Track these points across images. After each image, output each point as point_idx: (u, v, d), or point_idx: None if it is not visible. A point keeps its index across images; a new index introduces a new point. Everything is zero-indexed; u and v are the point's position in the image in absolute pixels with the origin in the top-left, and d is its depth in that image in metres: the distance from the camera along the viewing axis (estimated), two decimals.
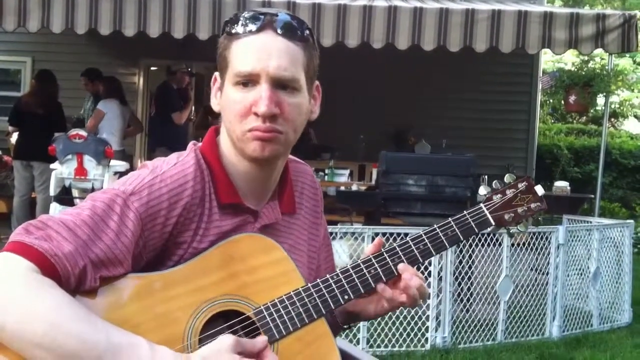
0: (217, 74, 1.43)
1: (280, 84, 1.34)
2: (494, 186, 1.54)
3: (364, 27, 6.14)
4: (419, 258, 1.46)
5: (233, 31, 1.37)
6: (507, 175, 1.55)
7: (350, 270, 1.42)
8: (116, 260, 1.26)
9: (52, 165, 6.89)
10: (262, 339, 1.27)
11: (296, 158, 1.57)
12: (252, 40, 1.35)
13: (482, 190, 1.54)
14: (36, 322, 1.14)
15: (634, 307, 5.95)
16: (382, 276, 1.43)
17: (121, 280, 1.28)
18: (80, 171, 6.59)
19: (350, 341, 4.51)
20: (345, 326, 1.59)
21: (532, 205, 1.53)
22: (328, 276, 1.40)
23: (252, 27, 1.35)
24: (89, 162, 6.59)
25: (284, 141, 1.37)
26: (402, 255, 1.45)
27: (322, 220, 1.63)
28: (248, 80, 1.34)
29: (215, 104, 1.44)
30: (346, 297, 1.40)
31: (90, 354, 1.14)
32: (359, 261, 1.43)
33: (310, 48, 1.40)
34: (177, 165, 1.37)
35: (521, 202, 1.52)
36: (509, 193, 1.52)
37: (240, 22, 1.36)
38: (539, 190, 1.54)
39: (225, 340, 1.22)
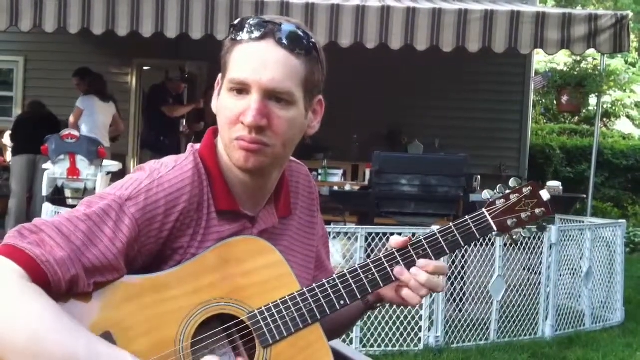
0: (220, 76, 1.40)
1: (273, 96, 1.31)
2: (497, 190, 1.49)
3: (357, 27, 6.13)
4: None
5: (238, 38, 1.34)
6: (512, 179, 1.51)
7: (347, 275, 1.39)
8: (110, 267, 1.25)
9: (44, 165, 6.86)
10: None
11: (291, 157, 1.54)
12: (252, 48, 1.32)
13: (486, 195, 1.50)
14: (19, 330, 1.13)
15: (626, 307, 5.98)
16: (380, 282, 1.41)
17: (115, 282, 1.27)
18: (73, 171, 6.57)
19: (344, 341, 4.51)
20: (376, 305, 1.56)
21: (537, 211, 1.48)
22: (324, 281, 1.38)
23: (255, 34, 1.32)
24: (81, 162, 6.57)
25: (270, 154, 1.34)
26: (400, 261, 1.42)
27: (319, 218, 1.61)
28: (241, 88, 1.32)
29: (214, 105, 1.42)
30: (342, 302, 1.37)
31: None
32: (357, 266, 1.41)
33: (313, 62, 1.36)
34: (175, 170, 1.34)
35: (525, 207, 1.47)
36: (513, 198, 1.48)
37: (245, 29, 1.33)
38: (544, 195, 1.49)
39: None
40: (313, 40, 1.36)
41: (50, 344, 1.13)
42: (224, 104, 1.35)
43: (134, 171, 1.38)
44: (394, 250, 1.43)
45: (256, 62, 1.31)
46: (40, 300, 1.16)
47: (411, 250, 1.43)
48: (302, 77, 1.34)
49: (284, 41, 1.32)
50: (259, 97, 1.30)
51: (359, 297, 1.40)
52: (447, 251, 1.44)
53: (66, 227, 1.23)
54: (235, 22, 1.37)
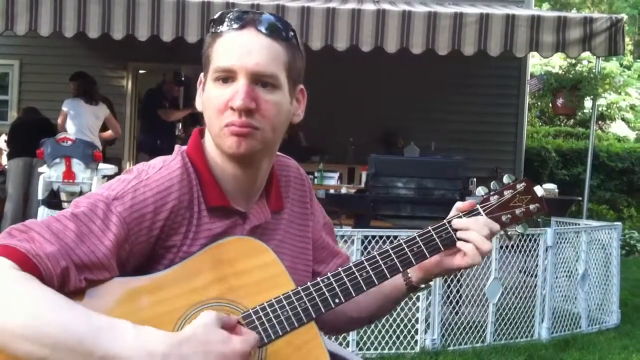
0: (202, 74, 1.43)
1: (259, 80, 1.34)
2: (491, 187, 1.50)
3: (352, 30, 6.14)
4: (413, 261, 1.43)
5: (218, 31, 1.37)
6: (505, 175, 1.52)
7: (342, 273, 1.40)
8: (100, 265, 1.25)
9: (40, 169, 6.85)
10: (235, 317, 1.27)
11: (279, 152, 1.55)
12: (234, 37, 1.35)
13: (480, 191, 1.51)
14: (17, 314, 1.13)
15: (621, 309, 5.99)
16: (375, 279, 1.41)
17: (108, 284, 1.27)
18: (69, 175, 6.55)
19: (340, 344, 4.51)
20: (421, 286, 1.57)
21: (531, 207, 1.49)
22: (319, 279, 1.38)
23: (235, 25, 1.35)
24: (77, 165, 6.55)
25: (260, 138, 1.35)
26: (394, 258, 1.42)
27: (313, 209, 1.61)
28: (227, 76, 1.34)
29: (198, 102, 1.44)
30: (337, 300, 1.38)
31: (72, 339, 1.12)
32: (351, 264, 1.42)
33: (294, 49, 1.39)
34: (163, 169, 1.36)
35: (519, 203, 1.49)
36: (507, 194, 1.49)
37: (224, 22, 1.36)
38: (538, 191, 1.50)
39: (209, 316, 1.21)
40: (292, 29, 1.40)
41: (50, 323, 1.13)
42: (211, 95, 1.37)
43: (123, 173, 1.39)
44: (388, 248, 1.44)
45: (240, 49, 1.34)
46: (34, 284, 1.16)
47: (405, 248, 1.43)
48: (285, 62, 1.37)
49: (265, 30, 1.35)
50: (246, 81, 1.33)
51: (354, 295, 1.40)
52: (442, 248, 1.45)
53: (55, 226, 1.24)
54: (215, 16, 1.39)
